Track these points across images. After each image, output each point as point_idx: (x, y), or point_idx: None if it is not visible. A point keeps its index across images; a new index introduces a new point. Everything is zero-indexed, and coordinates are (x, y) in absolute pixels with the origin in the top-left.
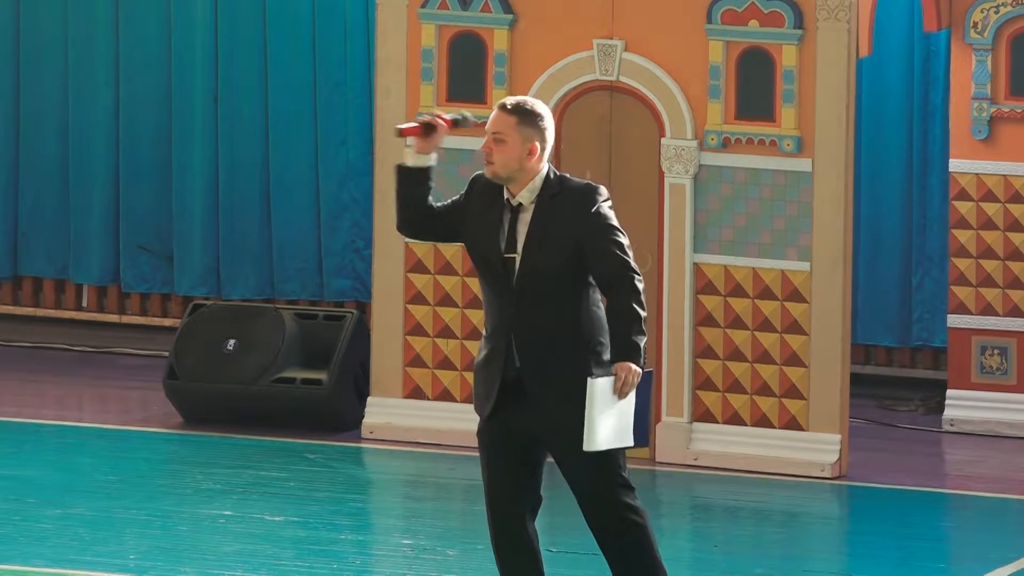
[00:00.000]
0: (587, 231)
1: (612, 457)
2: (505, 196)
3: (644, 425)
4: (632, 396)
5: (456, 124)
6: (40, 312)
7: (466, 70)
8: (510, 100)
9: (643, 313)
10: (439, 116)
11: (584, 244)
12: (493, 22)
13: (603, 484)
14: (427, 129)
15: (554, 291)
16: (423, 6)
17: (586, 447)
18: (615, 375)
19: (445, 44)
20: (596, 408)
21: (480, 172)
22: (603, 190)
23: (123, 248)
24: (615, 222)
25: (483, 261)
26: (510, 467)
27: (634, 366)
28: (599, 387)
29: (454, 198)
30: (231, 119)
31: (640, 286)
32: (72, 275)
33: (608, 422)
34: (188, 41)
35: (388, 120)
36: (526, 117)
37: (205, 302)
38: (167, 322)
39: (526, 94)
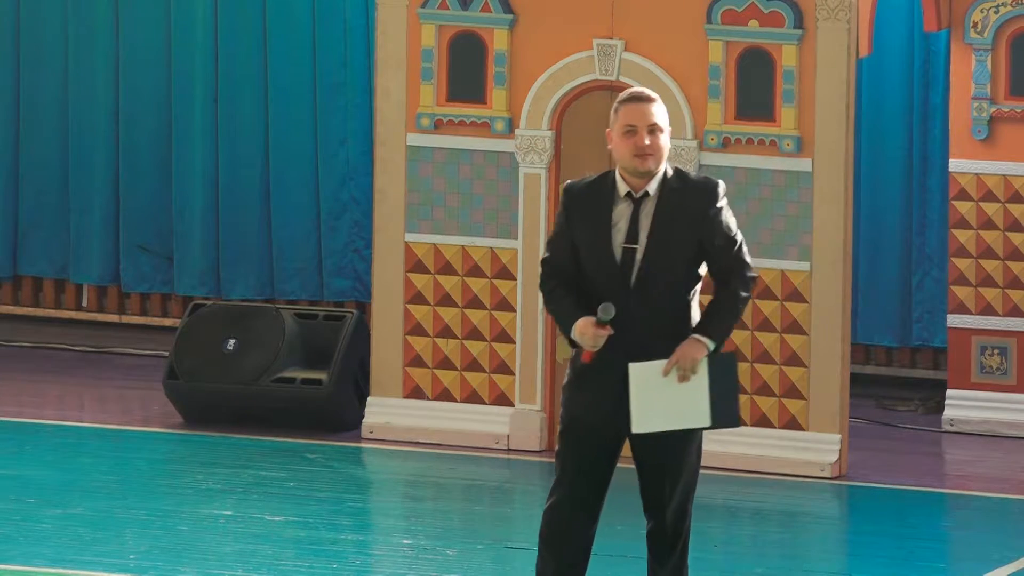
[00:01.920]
0: (710, 226)
1: (691, 468)
2: (624, 190)
3: (730, 406)
4: (702, 377)
5: (605, 324)
6: (40, 312)
7: (466, 70)
8: (643, 90)
9: (740, 302)
10: (599, 335)
11: (705, 239)
12: (493, 22)
13: (682, 489)
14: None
15: (672, 283)
16: (423, 6)
17: (634, 429)
18: (672, 357)
19: (445, 44)
20: (636, 392)
21: (572, 181)
22: (722, 185)
23: (123, 248)
24: (733, 219)
25: (597, 258)
26: (601, 463)
27: (693, 347)
28: (636, 371)
29: (556, 228)
30: (231, 119)
31: (752, 283)
32: (72, 275)
33: (660, 404)
34: (188, 41)
35: (388, 120)
36: (663, 106)
37: (205, 302)
38: (167, 322)
39: (526, 94)
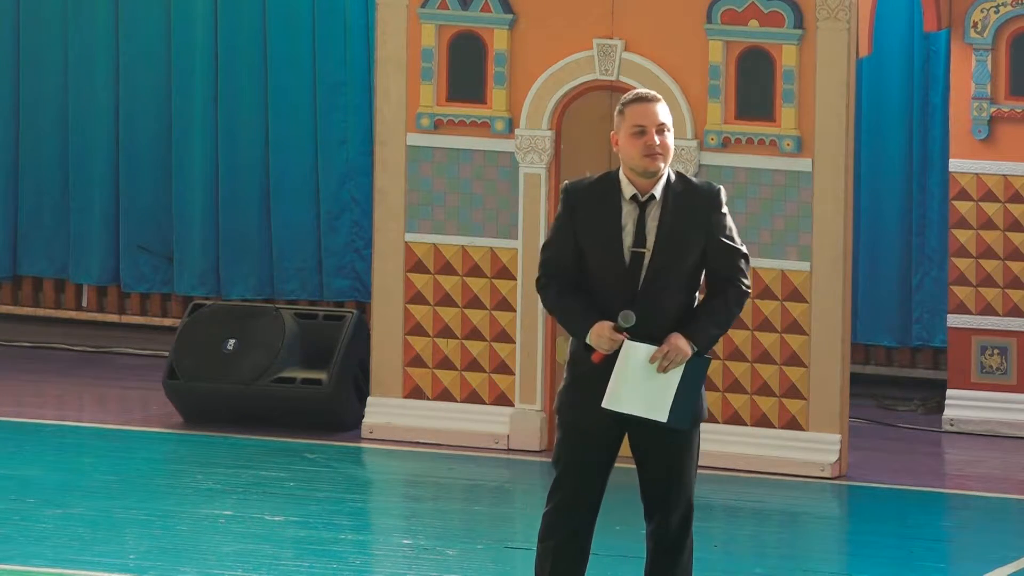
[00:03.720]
0: (713, 231)
1: (694, 467)
2: (630, 192)
3: (688, 409)
4: (675, 374)
5: (622, 331)
6: (40, 312)
7: (466, 70)
8: (647, 91)
9: (731, 317)
10: (615, 336)
11: (708, 243)
12: (493, 22)
13: (686, 490)
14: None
15: (676, 286)
16: (423, 6)
17: (604, 404)
18: (663, 346)
19: (445, 44)
20: (621, 367)
21: (572, 181)
22: (724, 192)
23: (123, 248)
24: (734, 226)
25: (604, 259)
26: (600, 466)
27: (686, 345)
28: (630, 349)
29: (558, 226)
30: (231, 119)
31: (745, 300)
32: (72, 275)
33: (635, 387)
34: (188, 41)
35: (388, 120)
36: (666, 106)
37: (205, 302)
38: (167, 322)
39: (526, 94)
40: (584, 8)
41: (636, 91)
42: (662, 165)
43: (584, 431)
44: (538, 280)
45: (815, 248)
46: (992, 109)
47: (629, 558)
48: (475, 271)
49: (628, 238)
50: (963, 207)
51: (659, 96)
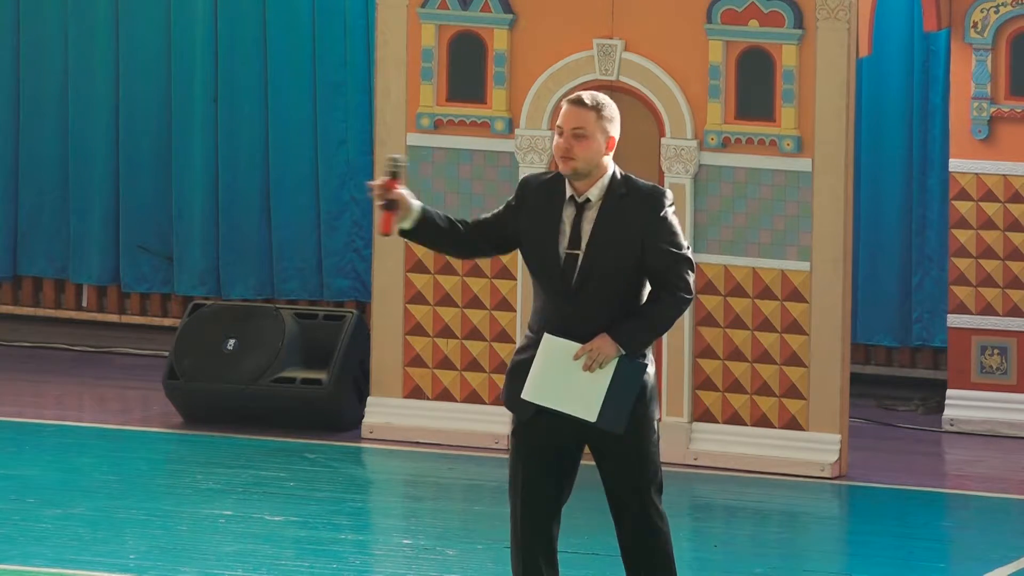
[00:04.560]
0: (652, 235)
1: (652, 456)
2: (569, 193)
3: (621, 411)
4: (604, 374)
5: (396, 176)
6: (40, 312)
7: (466, 70)
8: (585, 95)
9: (666, 322)
10: (380, 186)
11: (647, 248)
12: (493, 22)
13: (641, 481)
14: (389, 206)
15: (613, 290)
16: (423, 6)
17: (524, 395)
18: (587, 344)
19: (445, 44)
20: (540, 360)
21: (531, 175)
22: (669, 194)
23: (123, 248)
24: (679, 230)
25: (541, 259)
26: (548, 469)
27: (610, 344)
28: (549, 343)
29: (504, 206)
30: (231, 119)
31: (684, 307)
32: (72, 275)
33: (558, 383)
34: (188, 41)
35: (388, 120)
36: (604, 112)
37: (205, 302)
38: (167, 322)
39: (526, 94)
40: (584, 8)
41: (579, 92)
42: (570, 170)
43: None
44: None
45: (815, 248)
46: (992, 109)
47: None
48: (475, 271)
49: (564, 239)
50: (963, 207)
51: (590, 99)
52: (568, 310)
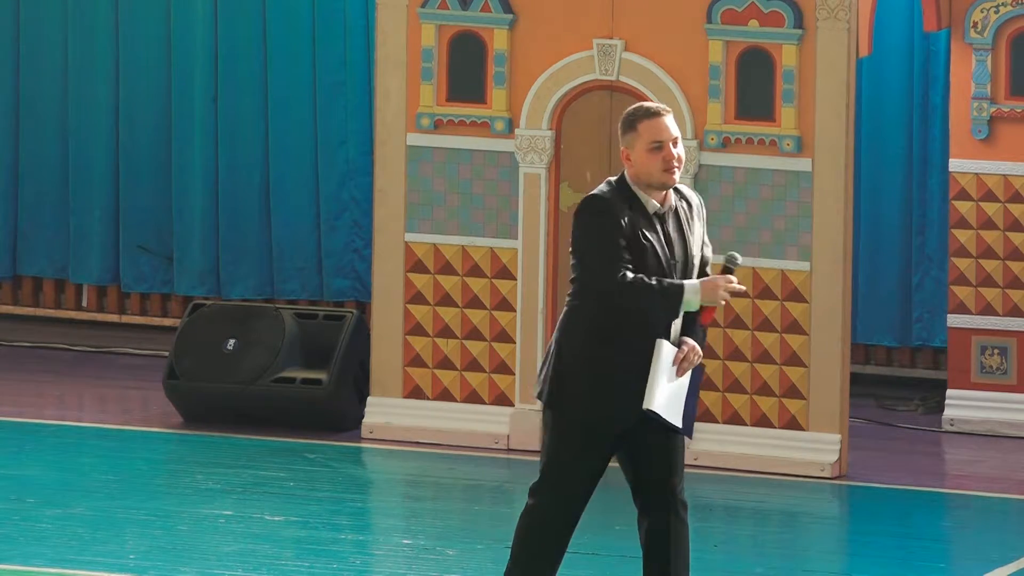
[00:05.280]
0: (704, 234)
1: (683, 448)
2: (652, 207)
3: (691, 417)
4: (686, 379)
5: (730, 272)
6: (40, 312)
7: (466, 70)
8: (655, 104)
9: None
10: (729, 279)
11: (704, 244)
12: (493, 22)
13: (679, 471)
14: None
15: None
16: (423, 6)
17: (645, 405)
18: (683, 347)
19: (445, 44)
20: (660, 367)
21: (598, 196)
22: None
23: (123, 248)
24: None
25: (644, 270)
26: (599, 475)
27: (697, 349)
28: (665, 349)
29: (616, 238)
30: (231, 119)
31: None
32: (72, 275)
33: (666, 389)
34: (188, 41)
35: (388, 120)
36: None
37: (205, 302)
38: (167, 322)
39: (526, 94)
40: (584, 8)
41: (644, 105)
42: (676, 179)
43: (606, 431)
44: (617, 278)
45: (815, 248)
46: (992, 109)
47: (629, 558)
48: (475, 271)
49: (662, 250)
50: (963, 207)
51: (668, 108)
52: (674, 321)
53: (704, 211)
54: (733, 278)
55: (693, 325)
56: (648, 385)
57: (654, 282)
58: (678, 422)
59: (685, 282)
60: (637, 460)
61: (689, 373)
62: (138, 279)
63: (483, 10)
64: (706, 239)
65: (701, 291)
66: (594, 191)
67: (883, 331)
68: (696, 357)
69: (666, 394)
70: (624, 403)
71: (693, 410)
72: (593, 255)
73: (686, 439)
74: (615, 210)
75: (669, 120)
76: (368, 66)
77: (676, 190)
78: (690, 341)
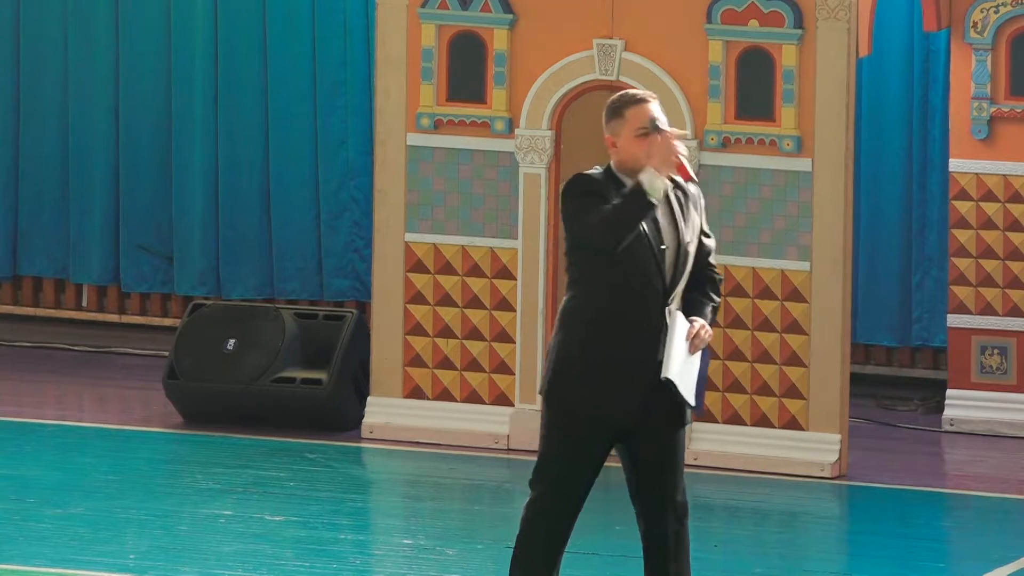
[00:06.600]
0: (702, 220)
1: (683, 454)
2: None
3: (702, 395)
4: (698, 357)
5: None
6: (40, 312)
7: (466, 70)
8: (640, 91)
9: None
10: (670, 139)
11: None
12: (493, 22)
13: (681, 472)
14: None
15: (687, 276)
16: (423, 6)
17: (663, 373)
18: (695, 324)
19: (445, 44)
20: (675, 338)
21: (584, 174)
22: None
23: (123, 248)
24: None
25: (635, 257)
26: (598, 467)
27: (709, 328)
28: (679, 321)
29: (599, 197)
30: (231, 119)
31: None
32: (72, 275)
33: (680, 361)
34: (188, 41)
35: (388, 120)
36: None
37: (205, 302)
38: (167, 322)
39: (526, 94)
40: (584, 8)
41: (630, 92)
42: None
43: (601, 422)
44: (594, 220)
45: (815, 248)
46: (992, 109)
47: (629, 558)
48: (475, 271)
49: (652, 236)
50: (963, 207)
51: (654, 94)
52: (660, 304)
53: (703, 201)
54: (665, 130)
55: (700, 306)
56: (664, 355)
57: (612, 203)
58: (690, 397)
59: (637, 179)
60: (638, 474)
61: (700, 352)
62: (138, 279)
63: (483, 10)
64: (707, 230)
65: (649, 166)
66: (581, 172)
67: (883, 331)
68: (706, 334)
69: (680, 365)
70: (621, 396)
71: (702, 387)
72: (584, 225)
73: (686, 440)
74: (601, 188)
75: (654, 106)
76: (368, 66)
77: (671, 179)
78: (700, 319)
